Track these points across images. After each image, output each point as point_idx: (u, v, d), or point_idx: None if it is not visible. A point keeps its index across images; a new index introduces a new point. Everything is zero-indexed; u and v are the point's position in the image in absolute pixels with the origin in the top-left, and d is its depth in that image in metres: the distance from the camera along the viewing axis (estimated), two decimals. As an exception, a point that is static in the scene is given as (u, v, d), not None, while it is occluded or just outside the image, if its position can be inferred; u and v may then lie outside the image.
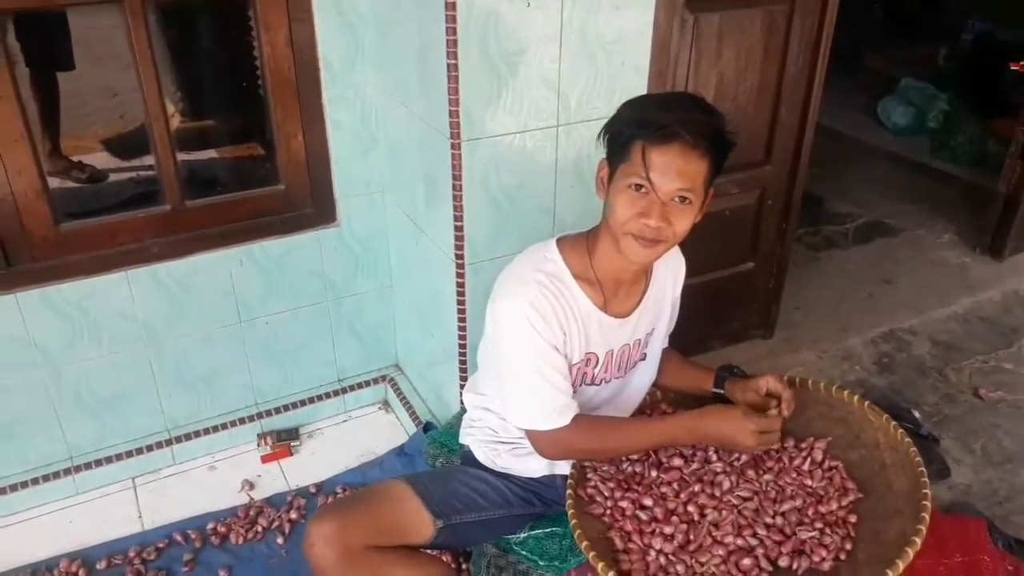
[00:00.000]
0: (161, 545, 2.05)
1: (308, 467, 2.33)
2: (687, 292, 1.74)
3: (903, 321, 3.05)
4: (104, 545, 2.06)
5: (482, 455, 1.68)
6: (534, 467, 1.64)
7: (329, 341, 2.45)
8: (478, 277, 1.97)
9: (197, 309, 2.20)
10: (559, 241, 1.52)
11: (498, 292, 1.49)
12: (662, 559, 1.39)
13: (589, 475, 1.56)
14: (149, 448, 2.28)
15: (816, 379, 1.71)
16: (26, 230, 1.97)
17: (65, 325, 2.06)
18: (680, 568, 1.37)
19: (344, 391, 2.53)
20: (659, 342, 1.70)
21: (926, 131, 4.58)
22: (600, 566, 1.33)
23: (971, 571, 1.82)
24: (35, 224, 1.97)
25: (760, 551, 1.40)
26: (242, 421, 2.39)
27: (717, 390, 1.70)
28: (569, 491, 1.50)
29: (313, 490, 2.24)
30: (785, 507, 1.48)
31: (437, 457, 1.95)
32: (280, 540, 2.08)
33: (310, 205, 2.26)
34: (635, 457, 1.60)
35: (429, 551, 1.61)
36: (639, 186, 1.35)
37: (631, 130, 1.35)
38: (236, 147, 2.62)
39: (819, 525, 1.44)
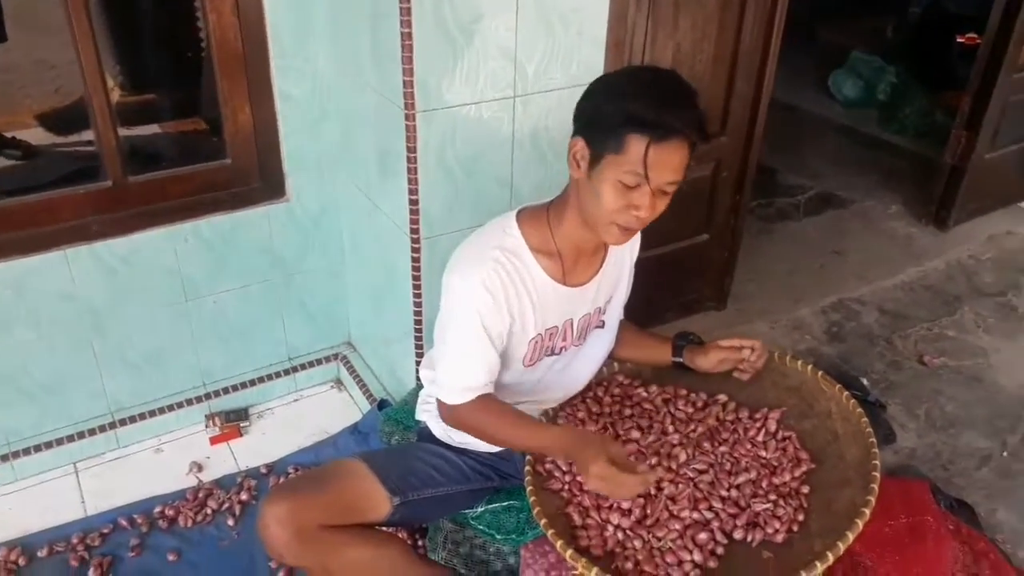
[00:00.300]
0: (105, 531, 2.00)
1: (259, 448, 2.29)
2: (643, 264, 1.74)
3: (852, 291, 3.12)
4: (45, 532, 2.00)
5: (439, 430, 1.67)
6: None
7: (279, 319, 2.39)
8: (433, 251, 1.93)
9: (141, 288, 2.13)
10: (519, 214, 1.51)
11: (453, 265, 1.47)
12: (620, 534, 1.40)
13: (547, 451, 1.55)
14: (91, 432, 2.21)
15: (771, 348, 1.72)
16: (-45, 208, 1.87)
17: (-1, 307, 1.97)
18: (637, 543, 1.38)
19: (295, 370, 2.48)
20: (616, 311, 1.70)
21: (875, 103, 4.64)
22: (559, 544, 1.33)
23: (916, 531, 1.89)
24: (-36, 201, 1.88)
25: (716, 524, 1.42)
26: (189, 402, 2.33)
27: (677, 359, 1.72)
28: (528, 467, 1.50)
29: (264, 471, 2.20)
30: (740, 479, 1.49)
31: (392, 435, 1.92)
32: (231, 522, 2.04)
33: (258, 180, 2.19)
34: (592, 429, 1.60)
35: (385, 528, 1.60)
36: (633, 179, 1.33)
37: (629, 126, 1.30)
38: (181, 121, 2.53)
39: (773, 497, 1.46)
